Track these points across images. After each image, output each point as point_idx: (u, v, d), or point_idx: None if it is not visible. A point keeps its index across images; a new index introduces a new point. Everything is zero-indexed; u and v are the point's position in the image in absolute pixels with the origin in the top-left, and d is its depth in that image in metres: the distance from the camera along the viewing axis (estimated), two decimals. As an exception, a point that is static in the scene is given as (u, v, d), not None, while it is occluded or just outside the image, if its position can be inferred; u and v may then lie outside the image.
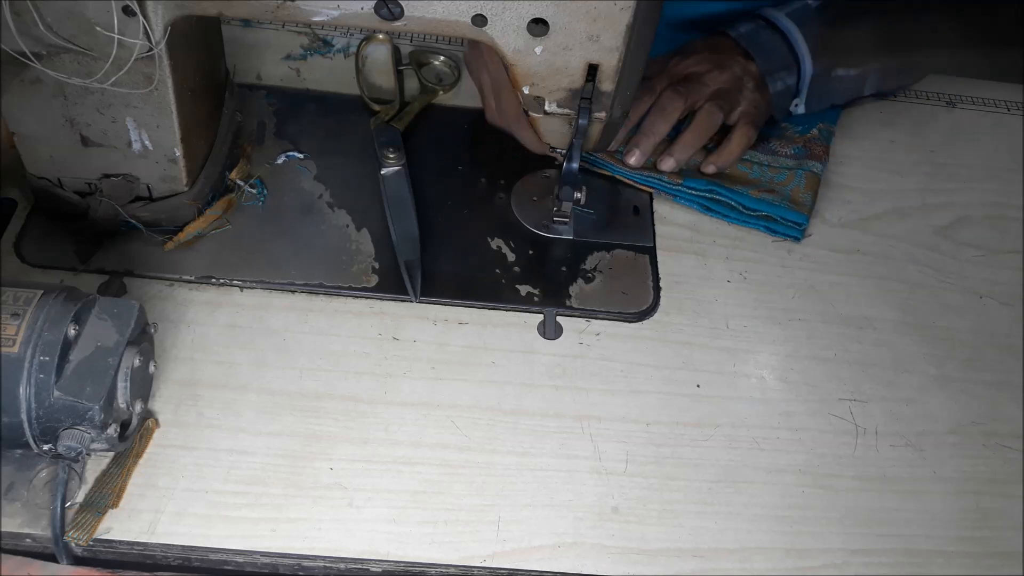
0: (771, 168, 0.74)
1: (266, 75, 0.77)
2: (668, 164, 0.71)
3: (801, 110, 0.77)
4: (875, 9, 0.77)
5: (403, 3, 0.53)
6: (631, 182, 0.72)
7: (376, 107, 0.74)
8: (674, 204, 0.72)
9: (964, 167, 0.80)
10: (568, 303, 0.65)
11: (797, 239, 0.71)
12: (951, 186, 0.78)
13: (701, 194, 0.71)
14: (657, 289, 0.67)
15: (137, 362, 0.50)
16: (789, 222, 0.71)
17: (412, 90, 0.78)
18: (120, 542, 0.51)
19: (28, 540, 0.51)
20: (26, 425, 0.47)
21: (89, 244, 0.62)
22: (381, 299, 0.63)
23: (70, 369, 0.48)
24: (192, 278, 0.62)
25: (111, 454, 0.53)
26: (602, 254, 0.69)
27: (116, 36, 0.51)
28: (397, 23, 0.54)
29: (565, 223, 0.69)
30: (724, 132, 0.73)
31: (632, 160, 0.71)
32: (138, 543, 0.51)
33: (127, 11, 0.51)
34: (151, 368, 0.54)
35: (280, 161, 0.70)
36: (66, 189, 0.62)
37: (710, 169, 0.72)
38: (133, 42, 0.52)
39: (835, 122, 0.79)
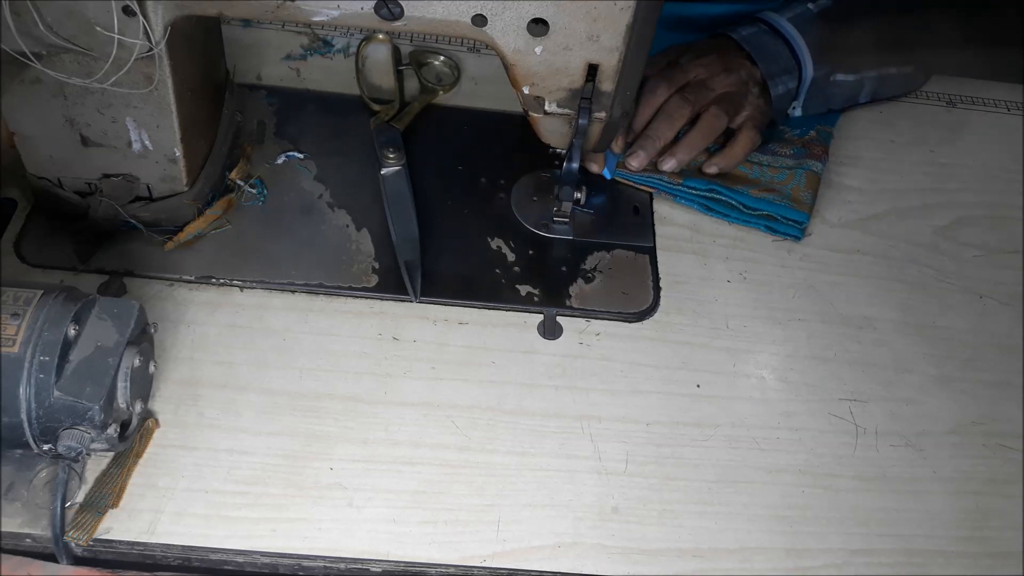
0: (771, 168, 0.74)
1: (266, 75, 0.77)
2: (670, 164, 0.71)
3: (798, 113, 0.77)
4: (875, 11, 0.77)
5: (403, 3, 0.53)
6: (631, 182, 0.72)
7: (376, 107, 0.74)
8: (674, 204, 0.72)
9: (964, 167, 0.80)
10: (568, 303, 0.65)
11: (797, 238, 0.71)
12: (951, 186, 0.78)
13: (701, 194, 0.71)
14: (657, 289, 0.67)
15: (137, 362, 0.50)
16: (790, 221, 0.71)
17: (412, 90, 0.77)
18: (120, 542, 0.51)
19: (28, 540, 0.50)
20: (26, 425, 0.47)
21: (89, 244, 0.62)
22: (381, 299, 0.63)
23: (70, 369, 0.48)
24: (192, 278, 0.62)
25: (111, 454, 0.53)
26: (602, 254, 0.69)
27: (116, 36, 0.51)
28: (397, 23, 0.54)
29: (565, 223, 0.69)
30: (727, 136, 0.73)
31: (635, 163, 0.71)
32: (138, 543, 0.51)
33: (127, 11, 0.51)
34: (151, 368, 0.54)
35: (280, 161, 0.70)
36: (66, 189, 0.62)
37: (712, 169, 0.72)
38: (133, 42, 0.52)
39: (834, 124, 0.79)
